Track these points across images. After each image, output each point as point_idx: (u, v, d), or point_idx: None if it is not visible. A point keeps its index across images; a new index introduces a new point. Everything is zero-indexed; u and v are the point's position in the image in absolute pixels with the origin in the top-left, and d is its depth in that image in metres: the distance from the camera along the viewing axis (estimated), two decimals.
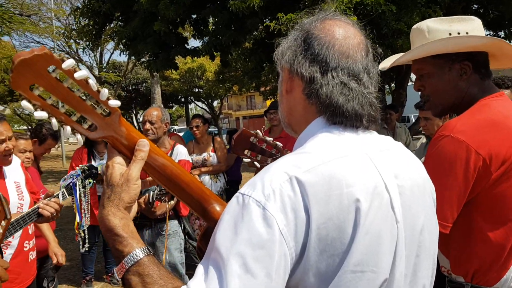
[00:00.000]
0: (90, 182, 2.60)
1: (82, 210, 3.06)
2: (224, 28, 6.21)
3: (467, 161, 1.45)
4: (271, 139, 1.87)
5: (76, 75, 0.88)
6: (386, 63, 1.89)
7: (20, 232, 2.63)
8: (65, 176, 2.62)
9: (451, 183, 1.47)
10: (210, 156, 5.39)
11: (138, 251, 0.92)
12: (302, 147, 0.98)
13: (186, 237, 3.90)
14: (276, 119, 5.00)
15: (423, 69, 1.69)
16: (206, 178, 5.36)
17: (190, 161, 3.86)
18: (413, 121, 9.77)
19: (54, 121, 0.91)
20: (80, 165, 2.66)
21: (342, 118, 0.98)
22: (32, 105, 0.88)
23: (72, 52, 22.35)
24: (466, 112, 1.57)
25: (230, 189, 5.58)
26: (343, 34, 1.01)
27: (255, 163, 1.78)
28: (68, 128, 0.93)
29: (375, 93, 1.03)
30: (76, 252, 5.99)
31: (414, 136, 7.65)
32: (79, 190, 2.55)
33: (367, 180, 0.91)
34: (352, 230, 0.86)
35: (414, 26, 1.74)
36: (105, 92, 0.93)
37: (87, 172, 2.63)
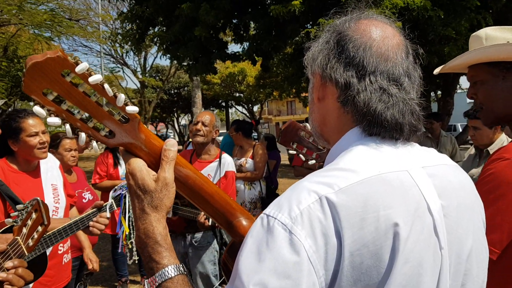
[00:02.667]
0: None
1: (130, 222, 3.09)
2: (264, 34, 6.17)
3: None
4: None
5: (91, 79, 0.83)
6: (439, 69, 1.79)
7: None
8: (115, 187, 2.64)
9: (505, 208, 1.33)
10: (247, 162, 5.31)
11: (172, 267, 0.87)
12: (334, 162, 0.88)
13: (224, 248, 3.81)
14: None
15: (477, 76, 1.58)
16: (241, 185, 5.29)
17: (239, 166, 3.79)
18: (460, 130, 9.37)
19: (68, 127, 0.87)
20: None
21: (380, 128, 0.88)
22: (46, 111, 0.84)
23: (118, 56, 23.07)
24: None
25: (265, 198, 5.49)
26: (381, 35, 0.91)
27: (300, 155, 1.73)
28: (83, 135, 0.89)
29: (417, 99, 0.92)
30: None
31: (461, 146, 7.32)
32: (128, 202, 2.55)
33: (407, 201, 0.80)
34: (389, 258, 0.76)
35: (473, 34, 1.66)
36: (121, 97, 0.87)
37: None
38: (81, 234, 3.46)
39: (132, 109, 0.90)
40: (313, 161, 1.72)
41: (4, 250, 1.47)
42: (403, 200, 0.80)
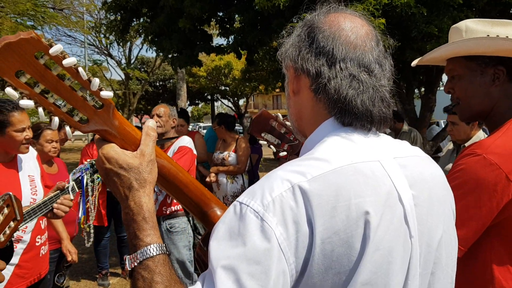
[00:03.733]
0: (98, 177, 2.56)
1: (88, 205, 3.06)
2: (249, 27, 6.15)
3: (494, 186, 1.31)
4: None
5: (65, 62, 0.82)
6: (416, 61, 1.80)
7: (32, 227, 2.63)
8: (75, 170, 2.61)
9: (473, 205, 1.34)
10: (229, 156, 5.31)
11: (154, 246, 0.87)
12: (309, 152, 0.89)
13: (195, 233, 3.88)
14: None
15: (454, 70, 1.57)
16: (224, 179, 5.29)
17: (194, 151, 3.80)
18: (443, 126, 9.48)
19: (41, 110, 0.86)
20: (89, 160, 2.64)
21: (351, 117, 0.90)
22: (19, 93, 0.83)
23: (102, 46, 22.75)
24: (504, 131, 1.43)
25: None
26: (349, 25, 0.93)
27: (271, 147, 1.72)
28: (56, 119, 0.88)
29: (388, 85, 0.94)
30: (93, 246, 6.04)
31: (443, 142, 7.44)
32: (87, 185, 2.52)
33: (378, 190, 0.82)
34: (360, 246, 0.78)
35: (453, 25, 1.64)
36: (96, 81, 0.87)
37: (95, 166, 2.60)
38: (58, 225, 3.43)
39: (107, 94, 0.90)
40: (284, 153, 1.71)
41: None
42: (374, 190, 0.82)
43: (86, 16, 18.00)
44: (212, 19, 6.75)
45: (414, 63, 1.80)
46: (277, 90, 16.09)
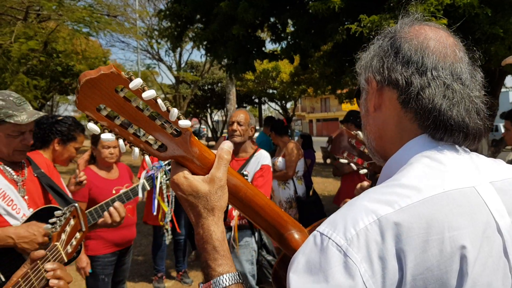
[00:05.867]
0: None
1: (165, 202, 3.13)
2: (303, 32, 6.08)
3: None
4: None
5: (144, 95, 0.81)
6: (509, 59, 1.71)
7: None
8: (147, 168, 2.69)
9: None
10: (278, 161, 5.27)
11: (227, 276, 0.86)
12: (395, 177, 0.82)
13: (263, 249, 3.78)
14: (351, 129, 4.79)
15: None
16: (275, 185, 5.23)
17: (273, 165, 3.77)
18: (502, 131, 9.00)
19: (121, 142, 0.85)
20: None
21: (444, 131, 0.82)
22: (99, 126, 0.82)
23: (154, 51, 23.43)
24: None
25: (312, 197, 5.44)
26: (436, 35, 0.87)
27: (351, 164, 1.73)
28: (136, 150, 0.87)
29: (482, 97, 0.86)
30: (149, 247, 6.18)
31: (507, 148, 7.07)
32: (161, 183, 2.57)
33: (474, 221, 0.75)
34: (456, 283, 0.71)
35: None
36: (174, 112, 0.85)
37: None
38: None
39: (185, 123, 0.88)
40: (365, 170, 1.69)
41: (44, 255, 1.48)
42: (470, 220, 0.75)
43: (138, 22, 18.62)
44: (265, 25, 6.73)
45: (507, 61, 1.70)
46: (327, 93, 15.89)
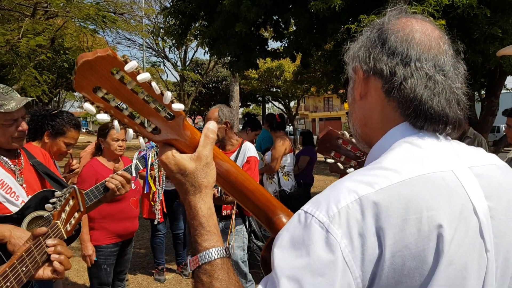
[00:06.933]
0: None
1: (157, 181, 3.15)
2: (305, 31, 6.15)
3: None
4: None
5: (139, 77, 0.86)
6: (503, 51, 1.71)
7: None
8: (140, 149, 2.73)
9: None
10: (267, 154, 5.40)
11: (214, 250, 0.89)
12: (377, 161, 0.87)
13: (252, 235, 3.91)
14: None
15: None
16: (264, 179, 5.36)
17: (258, 158, 3.86)
18: (503, 131, 9.00)
19: (116, 123, 0.90)
20: None
21: (424, 120, 0.87)
22: (95, 107, 0.87)
23: (159, 49, 23.50)
24: None
25: (299, 192, 5.51)
26: (422, 28, 0.92)
27: (339, 164, 1.74)
28: (131, 131, 0.92)
29: (463, 88, 0.91)
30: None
31: (505, 149, 7.09)
32: (152, 164, 2.62)
33: (451, 203, 0.79)
34: (433, 260, 0.76)
35: None
36: (168, 95, 0.91)
37: None
38: (83, 226, 3.52)
39: (178, 106, 0.93)
40: (352, 169, 1.71)
41: (46, 232, 1.57)
42: (447, 202, 0.79)
43: (144, 20, 18.71)
44: (267, 23, 6.81)
45: (500, 53, 1.71)
46: (329, 92, 15.89)
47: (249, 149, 3.79)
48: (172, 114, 0.94)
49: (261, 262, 1.22)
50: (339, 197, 0.78)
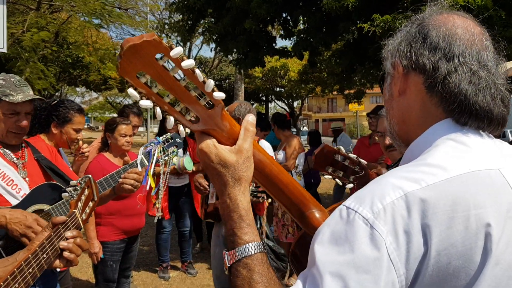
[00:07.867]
0: (174, 151, 2.63)
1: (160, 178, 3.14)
2: (314, 30, 6.10)
3: None
4: (355, 156, 1.82)
5: (184, 64, 0.83)
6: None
7: None
8: (146, 144, 2.69)
9: None
10: (279, 153, 5.34)
11: (253, 245, 0.87)
12: (421, 157, 0.85)
13: (263, 235, 3.85)
14: (374, 125, 4.82)
15: None
16: None
17: (274, 157, 3.84)
18: (510, 137, 8.96)
19: (158, 110, 0.88)
20: (164, 135, 2.71)
21: (468, 116, 0.85)
22: (138, 93, 0.84)
23: None
24: None
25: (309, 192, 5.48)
26: (464, 23, 0.90)
27: (337, 180, 1.74)
28: (172, 118, 0.89)
29: (506, 84, 0.89)
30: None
31: None
32: (157, 159, 2.58)
33: (499, 201, 0.78)
34: (480, 260, 0.74)
35: None
36: (211, 83, 0.88)
37: (170, 140, 2.66)
38: (89, 224, 3.52)
39: (219, 95, 0.90)
40: (351, 185, 1.71)
41: (64, 221, 1.59)
42: (494, 200, 0.78)
43: (149, 16, 18.64)
44: (276, 21, 6.75)
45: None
46: (334, 92, 15.86)
47: (265, 147, 3.74)
48: (211, 103, 0.92)
49: (290, 258, 1.22)
50: (383, 193, 0.76)
